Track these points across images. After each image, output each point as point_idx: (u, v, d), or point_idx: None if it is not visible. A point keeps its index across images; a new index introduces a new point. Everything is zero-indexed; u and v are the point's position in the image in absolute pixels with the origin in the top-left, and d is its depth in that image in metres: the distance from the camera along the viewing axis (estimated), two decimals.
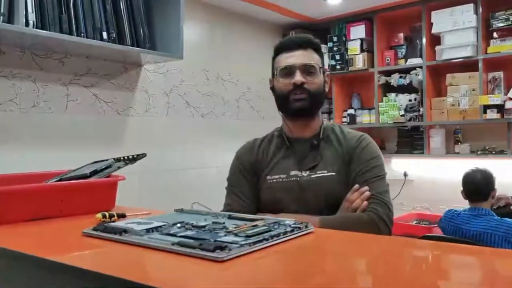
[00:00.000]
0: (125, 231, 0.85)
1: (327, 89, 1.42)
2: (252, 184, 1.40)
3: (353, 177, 1.29)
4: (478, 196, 2.36)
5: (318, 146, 1.35)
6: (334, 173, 1.30)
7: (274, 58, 1.42)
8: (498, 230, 2.16)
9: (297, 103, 1.34)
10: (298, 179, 1.32)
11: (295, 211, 1.27)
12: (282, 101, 1.37)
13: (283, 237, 0.81)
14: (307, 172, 1.32)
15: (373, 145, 1.36)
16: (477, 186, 2.37)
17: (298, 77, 1.32)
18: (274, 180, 1.35)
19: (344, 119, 3.64)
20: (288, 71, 1.35)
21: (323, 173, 1.31)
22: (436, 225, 2.95)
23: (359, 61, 3.47)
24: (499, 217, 2.27)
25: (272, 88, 1.43)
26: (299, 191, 1.31)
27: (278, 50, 1.40)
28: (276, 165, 1.38)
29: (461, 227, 2.30)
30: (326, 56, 3.61)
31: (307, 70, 1.34)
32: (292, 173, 1.34)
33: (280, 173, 1.35)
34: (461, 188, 2.46)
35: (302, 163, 1.34)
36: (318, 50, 1.40)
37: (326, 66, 3.65)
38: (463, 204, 2.52)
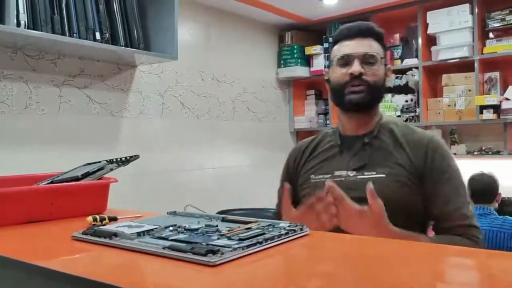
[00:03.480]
0: (115, 234, 0.82)
1: (388, 83, 1.32)
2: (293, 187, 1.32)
3: (430, 193, 1.18)
4: (484, 198, 2.40)
5: (370, 144, 1.25)
6: (383, 175, 1.19)
7: (332, 47, 1.32)
8: (503, 228, 2.20)
9: (353, 96, 1.23)
10: (343, 179, 1.23)
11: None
12: (337, 93, 1.27)
13: (278, 240, 0.79)
14: (354, 172, 1.23)
15: (445, 150, 1.24)
16: (484, 188, 2.43)
17: (356, 67, 1.22)
18: (318, 180, 1.27)
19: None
20: (346, 60, 1.25)
21: (371, 174, 1.20)
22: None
23: None
24: (502, 216, 2.33)
25: (328, 80, 1.33)
26: (345, 192, 1.17)
27: (337, 38, 1.30)
28: (323, 164, 1.30)
29: None
30: (322, 57, 3.60)
31: (367, 60, 1.23)
32: (337, 173, 1.25)
33: (324, 172, 1.27)
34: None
35: (350, 163, 1.25)
36: (380, 40, 1.29)
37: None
38: None
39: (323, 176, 1.27)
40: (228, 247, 0.71)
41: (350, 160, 1.25)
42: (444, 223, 1.19)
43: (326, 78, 1.36)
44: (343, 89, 1.25)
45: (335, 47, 1.30)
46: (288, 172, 1.40)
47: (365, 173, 1.22)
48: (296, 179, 1.36)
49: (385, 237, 0.97)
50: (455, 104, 3.10)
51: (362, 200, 1.12)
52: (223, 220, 0.95)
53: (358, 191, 1.16)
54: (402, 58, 3.36)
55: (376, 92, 1.26)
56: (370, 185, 1.05)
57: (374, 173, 1.21)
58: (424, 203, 1.20)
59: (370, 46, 1.25)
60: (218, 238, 0.78)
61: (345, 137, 1.31)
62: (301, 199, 1.30)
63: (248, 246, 0.73)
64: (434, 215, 1.21)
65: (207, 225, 0.88)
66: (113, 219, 1.02)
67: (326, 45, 3.58)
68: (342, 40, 1.29)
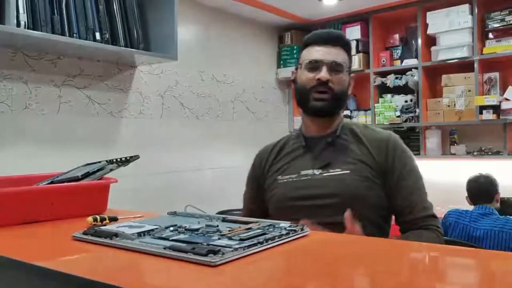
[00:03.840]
0: (116, 235, 0.82)
1: (350, 91, 1.36)
2: (257, 192, 1.41)
3: (393, 189, 1.25)
4: (483, 198, 2.41)
5: (333, 143, 1.30)
6: (348, 171, 1.25)
7: (301, 50, 1.36)
8: (504, 228, 2.21)
9: (318, 103, 1.28)
10: (310, 177, 1.28)
11: (308, 211, 1.21)
12: (303, 96, 1.32)
13: (278, 240, 0.79)
14: (320, 171, 1.28)
15: (404, 148, 1.31)
16: (482, 188, 2.44)
17: (324, 73, 1.26)
18: (285, 181, 1.32)
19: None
20: (315, 65, 1.29)
21: (336, 171, 1.26)
22: None
23: (355, 62, 3.45)
24: (504, 216, 2.33)
25: (294, 81, 1.37)
26: (311, 190, 1.26)
27: (308, 42, 1.35)
28: (289, 165, 1.34)
29: (469, 226, 2.32)
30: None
31: (334, 67, 1.28)
32: (303, 172, 1.30)
33: (291, 173, 1.32)
34: (466, 195, 2.55)
35: (315, 162, 1.30)
36: (347, 50, 1.35)
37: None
38: (459, 205, 2.51)
39: (290, 176, 1.32)
40: (229, 247, 0.71)
41: (315, 160, 1.30)
42: (407, 216, 1.25)
43: (292, 78, 1.40)
44: (308, 94, 1.29)
45: (305, 51, 1.34)
46: (253, 176, 1.45)
47: (330, 171, 1.27)
48: (263, 182, 1.40)
49: None
50: (454, 105, 3.10)
51: (330, 196, 1.23)
52: (224, 220, 0.95)
53: (326, 188, 1.25)
54: (401, 59, 3.36)
55: (340, 99, 1.31)
56: (347, 212, 1.12)
57: (339, 170, 1.26)
58: (388, 198, 1.26)
59: (338, 55, 1.30)
60: (219, 238, 0.78)
61: (309, 138, 1.35)
62: (269, 200, 1.36)
63: (249, 246, 0.73)
64: (397, 209, 1.27)
65: (207, 225, 0.88)
66: (113, 219, 1.01)
67: None
68: (312, 45, 1.33)
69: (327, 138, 1.31)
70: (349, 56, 1.35)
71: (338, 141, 1.31)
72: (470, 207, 2.46)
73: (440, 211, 3.29)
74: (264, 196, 1.39)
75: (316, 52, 1.30)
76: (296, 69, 1.38)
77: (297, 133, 1.42)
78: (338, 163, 1.27)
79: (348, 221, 1.11)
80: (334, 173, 1.26)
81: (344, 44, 1.34)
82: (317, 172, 1.28)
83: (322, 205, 1.23)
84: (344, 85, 1.31)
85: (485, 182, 2.47)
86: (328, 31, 1.37)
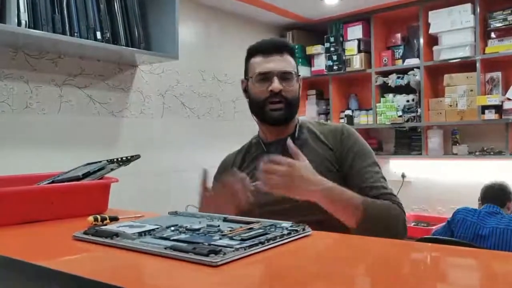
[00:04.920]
0: (116, 234, 0.82)
1: (300, 94, 1.40)
2: None
3: (348, 173, 1.28)
4: (495, 201, 2.42)
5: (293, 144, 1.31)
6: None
7: (248, 60, 1.39)
8: (509, 226, 2.22)
9: (274, 113, 1.32)
10: None
11: (280, 215, 1.12)
12: (258, 108, 1.35)
13: (280, 240, 0.78)
14: None
15: (356, 134, 1.36)
16: (495, 191, 2.47)
17: (276, 84, 1.29)
18: (252, 188, 1.30)
19: (342, 120, 3.62)
20: (265, 77, 1.31)
21: None
22: (434, 227, 2.93)
23: (357, 62, 3.45)
24: (508, 215, 2.36)
25: (245, 90, 1.41)
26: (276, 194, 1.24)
27: (254, 52, 1.37)
28: (254, 172, 1.31)
29: (476, 224, 2.33)
30: (323, 57, 3.60)
31: (285, 76, 1.31)
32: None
33: (256, 179, 1.28)
34: (468, 195, 2.58)
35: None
36: (293, 55, 1.38)
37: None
38: (461, 205, 2.51)
39: (256, 183, 1.30)
40: (230, 247, 0.71)
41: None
42: (369, 193, 1.24)
43: (243, 87, 1.43)
44: (263, 105, 1.32)
45: (252, 62, 1.36)
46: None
47: None
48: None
49: (321, 190, 1.13)
50: (456, 104, 3.09)
51: (286, 200, 1.20)
52: (225, 220, 0.95)
53: None
54: (403, 58, 3.36)
55: (294, 106, 1.35)
56: (289, 142, 1.18)
57: None
58: (346, 183, 1.26)
59: (287, 63, 1.33)
60: (220, 238, 0.77)
61: (268, 143, 1.39)
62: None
63: (250, 246, 0.72)
64: (355, 191, 1.26)
65: (208, 225, 0.88)
66: (114, 219, 1.01)
67: (327, 45, 3.57)
68: (258, 55, 1.34)
69: (285, 140, 1.30)
70: (295, 60, 1.38)
71: (296, 142, 1.31)
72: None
73: (441, 210, 3.30)
74: None
75: (265, 63, 1.32)
76: (246, 79, 1.40)
77: (256, 140, 1.45)
78: None
79: (294, 152, 1.16)
80: None
81: (290, 50, 1.37)
82: None
83: (292, 207, 1.21)
84: (296, 91, 1.35)
85: (499, 188, 2.49)
86: (271, 40, 1.41)
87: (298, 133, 1.37)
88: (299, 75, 1.39)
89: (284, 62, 1.33)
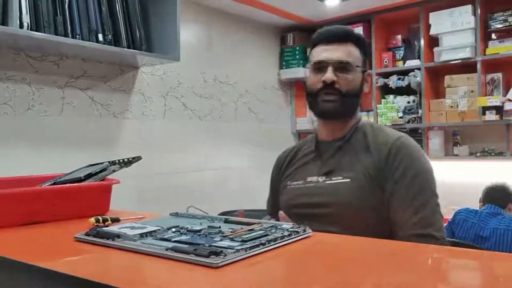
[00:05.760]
0: (118, 236, 0.82)
1: (366, 89, 1.28)
2: (275, 196, 1.39)
3: (388, 195, 1.13)
4: (496, 202, 2.42)
5: (341, 149, 1.24)
6: (348, 180, 1.17)
7: (312, 49, 1.29)
8: (509, 227, 2.23)
9: (326, 105, 1.22)
10: (313, 184, 1.23)
11: (307, 220, 1.08)
12: (311, 99, 1.26)
13: (280, 242, 0.79)
14: (323, 178, 1.22)
15: (412, 151, 1.18)
16: (496, 192, 2.47)
17: (329, 75, 1.19)
18: (292, 186, 1.29)
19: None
20: (320, 66, 1.22)
21: (337, 179, 1.19)
22: None
23: None
24: (509, 215, 2.35)
25: (305, 83, 1.31)
26: (314, 197, 1.21)
27: (315, 42, 1.27)
28: (298, 171, 1.31)
29: (477, 225, 2.34)
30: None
31: (341, 67, 1.20)
32: (309, 178, 1.25)
33: (299, 179, 1.28)
34: (469, 196, 2.58)
35: (322, 168, 1.24)
36: (359, 45, 1.26)
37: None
38: (464, 206, 2.51)
39: (297, 182, 1.28)
40: (231, 249, 0.71)
41: (322, 166, 1.25)
42: (400, 231, 1.12)
43: (304, 80, 1.33)
44: (316, 96, 1.23)
45: (313, 51, 1.28)
46: (272, 180, 1.43)
47: (333, 178, 1.20)
48: (279, 186, 1.37)
49: None
50: (457, 105, 3.09)
51: (324, 205, 1.18)
52: (226, 221, 0.95)
53: (323, 196, 1.19)
54: (404, 59, 3.36)
55: (350, 101, 1.23)
56: (280, 213, 1.15)
57: (341, 178, 1.19)
58: (388, 207, 1.14)
59: (346, 52, 1.22)
60: (221, 240, 0.78)
61: (321, 142, 1.30)
62: (280, 205, 1.33)
63: (251, 248, 0.73)
64: (391, 220, 1.14)
65: (209, 227, 0.88)
66: (115, 220, 1.01)
67: None
68: (319, 44, 1.26)
69: (336, 142, 1.25)
70: (362, 51, 1.27)
71: (346, 146, 1.23)
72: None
73: (442, 211, 3.29)
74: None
75: (322, 52, 1.23)
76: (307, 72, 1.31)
77: (312, 137, 1.36)
78: (341, 170, 1.20)
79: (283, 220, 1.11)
80: (335, 181, 1.20)
81: (354, 39, 1.25)
82: (321, 179, 1.23)
83: (318, 214, 1.18)
84: (354, 85, 1.22)
85: (501, 190, 2.49)
86: (334, 28, 1.27)
87: (350, 137, 1.24)
88: (365, 70, 1.27)
89: (342, 52, 1.21)
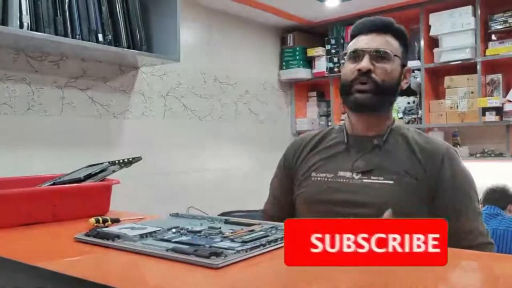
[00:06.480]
0: (118, 236, 0.82)
1: (404, 86, 1.21)
2: (286, 183, 1.28)
3: (445, 208, 1.10)
4: (496, 203, 2.43)
5: (380, 147, 1.16)
6: (391, 182, 1.11)
7: (349, 42, 1.23)
8: (509, 228, 2.23)
9: (359, 95, 1.14)
10: (347, 180, 1.15)
11: (338, 218, 1.07)
12: (344, 89, 1.18)
13: (281, 243, 0.78)
14: (359, 176, 1.14)
15: (461, 163, 1.16)
16: (496, 193, 2.48)
17: (365, 63, 1.12)
18: (319, 179, 1.19)
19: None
20: (356, 55, 1.15)
21: (378, 179, 1.12)
22: None
23: None
24: (509, 216, 2.37)
25: (339, 77, 1.24)
26: (346, 195, 1.13)
27: (352, 33, 1.22)
28: (325, 162, 1.20)
29: None
30: (324, 59, 3.58)
31: (379, 56, 1.14)
32: (341, 173, 1.16)
33: (327, 171, 1.18)
34: (481, 204, 2.58)
35: (356, 164, 1.16)
36: (399, 37, 1.19)
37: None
38: None
39: (326, 175, 1.18)
40: (232, 250, 0.71)
41: (356, 161, 1.16)
42: (463, 241, 1.08)
43: (340, 75, 1.25)
44: (350, 86, 1.16)
45: (350, 42, 1.22)
46: (284, 167, 1.30)
47: (372, 178, 1.13)
48: (294, 175, 1.26)
49: None
50: (457, 106, 3.09)
51: (362, 205, 1.10)
52: (226, 222, 0.95)
53: (360, 195, 1.12)
54: None
55: (385, 91, 1.14)
56: (389, 211, 1.02)
57: (382, 178, 1.12)
58: (435, 217, 1.13)
59: (385, 43, 1.16)
60: (221, 240, 0.78)
61: (352, 135, 1.21)
62: (297, 195, 1.23)
63: (251, 249, 0.73)
64: (450, 232, 1.15)
65: (210, 227, 0.88)
66: (115, 221, 1.01)
67: (328, 47, 3.57)
68: (357, 35, 1.20)
69: (373, 139, 1.17)
70: (402, 44, 1.20)
71: (386, 145, 1.16)
72: None
73: None
74: (293, 189, 1.26)
75: (359, 42, 1.17)
76: (343, 64, 1.24)
77: (340, 127, 1.27)
78: (381, 171, 1.13)
79: None
80: (375, 181, 1.12)
81: (393, 31, 1.19)
82: (356, 176, 1.15)
83: (355, 214, 1.08)
84: (391, 76, 1.15)
85: (501, 191, 2.50)
86: (373, 19, 1.22)
87: (388, 136, 1.17)
88: (405, 63, 1.20)
89: (380, 41, 1.15)
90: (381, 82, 1.13)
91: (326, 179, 1.18)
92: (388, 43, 1.16)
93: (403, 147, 1.16)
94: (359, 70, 1.13)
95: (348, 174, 1.16)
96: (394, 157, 1.15)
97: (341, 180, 1.16)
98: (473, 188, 1.17)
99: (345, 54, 1.20)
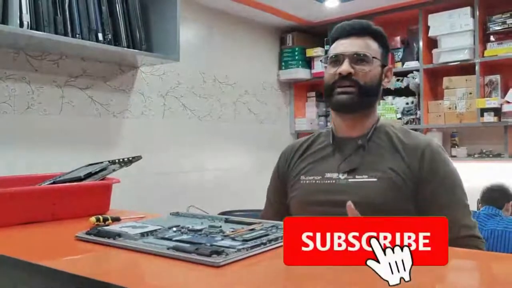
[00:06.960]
0: (119, 235, 0.83)
1: (386, 85, 1.25)
2: (281, 189, 1.32)
3: (428, 202, 1.12)
4: (494, 203, 2.43)
5: (363, 147, 1.19)
6: (375, 179, 1.14)
7: (330, 46, 1.27)
8: (507, 228, 2.23)
9: (342, 96, 1.18)
10: (334, 181, 1.19)
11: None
12: (327, 93, 1.22)
13: (281, 241, 0.79)
14: (345, 175, 1.18)
15: (444, 156, 1.17)
16: (494, 193, 2.47)
17: (345, 67, 1.16)
18: (307, 182, 1.23)
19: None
20: (336, 59, 1.19)
21: (362, 178, 1.16)
22: None
23: None
24: (507, 217, 2.36)
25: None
26: (335, 195, 1.16)
27: (333, 37, 1.25)
28: (314, 165, 1.25)
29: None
30: (324, 59, 3.58)
31: (358, 59, 1.17)
32: (328, 175, 1.20)
33: (315, 174, 1.22)
34: (480, 204, 2.56)
35: (342, 165, 1.19)
36: (378, 38, 1.23)
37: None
38: None
39: (314, 177, 1.22)
40: (233, 248, 0.72)
41: (342, 163, 1.20)
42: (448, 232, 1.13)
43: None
44: (332, 89, 1.20)
45: (331, 47, 1.26)
46: (278, 173, 1.35)
47: (356, 177, 1.17)
48: (287, 180, 1.31)
49: None
50: (455, 107, 3.10)
51: (353, 204, 1.10)
52: (227, 221, 0.95)
53: (348, 194, 1.13)
54: (403, 61, 3.36)
55: (368, 94, 1.18)
56: (349, 203, 1.03)
57: (366, 176, 1.15)
58: (420, 212, 1.12)
59: (364, 45, 1.19)
60: (222, 239, 0.78)
61: (338, 138, 1.25)
62: (290, 199, 1.27)
63: (252, 247, 0.73)
64: None
65: (210, 226, 0.88)
66: (116, 219, 1.02)
67: (327, 47, 3.57)
68: (337, 39, 1.24)
69: (357, 140, 1.21)
70: (382, 45, 1.24)
71: (369, 145, 1.20)
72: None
73: None
74: (287, 194, 1.30)
75: (339, 46, 1.21)
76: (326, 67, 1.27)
77: (327, 131, 1.31)
78: (365, 169, 1.16)
79: (349, 213, 1.02)
80: (360, 180, 1.16)
81: (372, 33, 1.22)
82: (342, 176, 1.18)
83: (338, 213, 1.07)
84: (372, 77, 1.19)
85: (498, 190, 2.49)
86: (351, 22, 1.25)
87: (372, 135, 1.20)
88: (385, 63, 1.23)
89: (360, 45, 1.19)
90: (362, 83, 1.17)
91: (314, 181, 1.22)
92: (367, 46, 1.20)
93: (386, 145, 1.19)
94: (339, 74, 1.17)
95: (334, 175, 1.20)
96: (377, 155, 1.18)
97: (328, 181, 1.20)
98: (457, 181, 1.17)
99: (327, 58, 1.24)
